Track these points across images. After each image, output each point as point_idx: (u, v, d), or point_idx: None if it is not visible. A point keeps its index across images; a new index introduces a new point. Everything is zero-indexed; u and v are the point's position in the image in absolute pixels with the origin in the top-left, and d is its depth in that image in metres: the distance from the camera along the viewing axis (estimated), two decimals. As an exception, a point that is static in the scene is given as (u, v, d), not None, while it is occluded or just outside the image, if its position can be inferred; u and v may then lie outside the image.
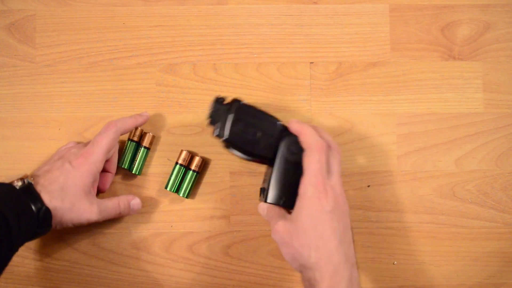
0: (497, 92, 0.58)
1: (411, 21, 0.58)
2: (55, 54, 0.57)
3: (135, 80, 0.57)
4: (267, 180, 0.50)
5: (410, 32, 0.58)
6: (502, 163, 0.57)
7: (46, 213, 0.46)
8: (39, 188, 0.47)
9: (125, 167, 0.56)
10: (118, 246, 0.56)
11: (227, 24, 0.58)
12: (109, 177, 0.54)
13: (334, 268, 0.43)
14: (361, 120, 0.57)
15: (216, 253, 0.56)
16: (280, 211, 0.48)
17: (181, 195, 0.55)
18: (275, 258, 0.56)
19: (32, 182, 0.48)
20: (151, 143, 0.56)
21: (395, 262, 0.57)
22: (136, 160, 0.56)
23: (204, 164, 0.57)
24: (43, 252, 0.56)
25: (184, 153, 0.55)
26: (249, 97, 0.57)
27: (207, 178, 0.57)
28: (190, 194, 0.56)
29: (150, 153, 0.57)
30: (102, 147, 0.50)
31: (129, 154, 0.56)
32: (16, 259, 0.56)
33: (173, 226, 0.57)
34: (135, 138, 0.56)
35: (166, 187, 0.55)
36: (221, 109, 0.50)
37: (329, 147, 0.47)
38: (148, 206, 0.57)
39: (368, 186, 0.57)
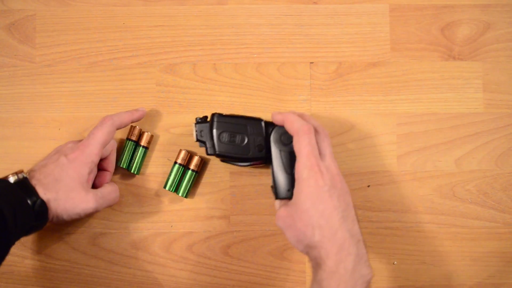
0: (497, 92, 0.58)
1: (411, 21, 0.58)
2: (55, 54, 0.57)
3: (135, 80, 0.57)
4: (272, 177, 0.50)
5: (410, 32, 0.58)
6: (502, 163, 0.57)
7: (41, 206, 0.46)
8: (34, 182, 0.47)
9: (124, 167, 0.56)
10: (118, 246, 0.56)
11: (227, 24, 0.58)
12: (108, 176, 0.54)
13: (338, 244, 0.43)
14: (361, 120, 0.57)
15: (216, 253, 0.56)
16: (286, 201, 0.48)
17: (180, 194, 0.55)
18: (275, 258, 0.56)
19: (28, 177, 0.48)
20: (149, 143, 0.56)
21: (395, 262, 0.57)
22: (135, 160, 0.56)
23: (203, 163, 0.57)
24: (43, 252, 0.56)
25: (183, 152, 0.55)
26: (249, 97, 0.57)
27: (207, 178, 0.57)
28: (189, 193, 0.56)
29: (150, 153, 0.57)
30: (98, 139, 0.50)
31: (128, 153, 0.56)
32: (16, 259, 0.56)
33: (173, 226, 0.57)
34: (134, 138, 0.56)
35: (165, 187, 0.55)
36: (204, 128, 0.52)
37: (316, 131, 0.47)
38: (148, 206, 0.57)
39: (368, 186, 0.57)
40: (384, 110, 0.58)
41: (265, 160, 0.52)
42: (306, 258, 0.56)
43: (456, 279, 0.57)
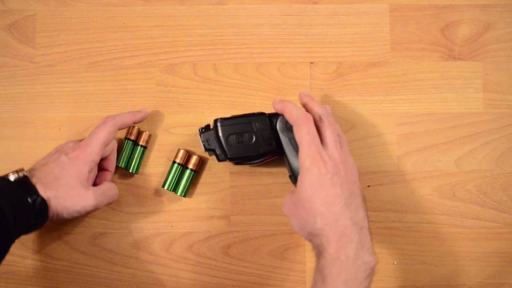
0: (497, 92, 0.58)
1: (411, 21, 0.58)
2: (55, 54, 0.57)
3: (135, 80, 0.57)
4: (288, 167, 0.50)
5: (410, 32, 0.58)
6: (502, 163, 0.57)
7: (41, 204, 0.46)
8: (34, 181, 0.47)
9: (122, 166, 0.56)
10: (118, 246, 0.56)
11: (227, 24, 0.58)
12: (108, 176, 0.54)
13: (340, 231, 0.43)
14: (361, 120, 0.57)
15: (216, 253, 0.56)
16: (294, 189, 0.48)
17: (179, 194, 0.55)
18: (275, 258, 0.56)
19: (28, 175, 0.48)
20: (148, 142, 0.56)
21: (395, 262, 0.57)
22: (133, 159, 0.56)
23: (202, 163, 0.57)
24: (43, 252, 0.56)
25: (181, 152, 0.55)
26: (249, 97, 0.57)
27: (207, 178, 0.57)
28: (188, 193, 0.56)
29: (150, 153, 0.57)
30: (99, 139, 0.50)
31: (126, 153, 0.56)
32: (16, 259, 0.56)
33: (173, 226, 0.57)
34: (132, 137, 0.56)
35: (163, 186, 0.55)
36: (210, 137, 0.52)
37: (320, 119, 0.47)
38: (148, 206, 0.57)
39: (368, 186, 0.57)
40: (384, 110, 0.58)
41: (277, 152, 0.51)
42: (306, 258, 0.56)
43: (456, 279, 0.57)
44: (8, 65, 0.57)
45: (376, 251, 0.57)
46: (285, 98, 0.57)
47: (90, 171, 0.50)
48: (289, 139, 0.50)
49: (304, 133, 0.45)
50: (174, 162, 0.55)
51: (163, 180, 0.56)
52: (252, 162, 0.52)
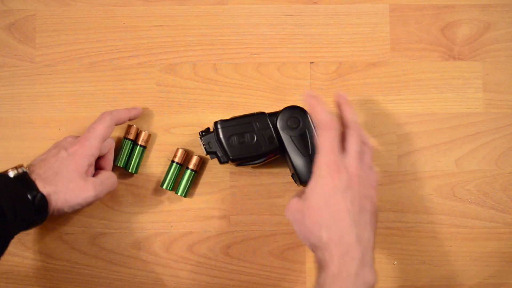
0: (497, 92, 0.58)
1: (411, 21, 0.58)
2: (55, 54, 0.57)
3: (135, 80, 0.57)
4: (290, 166, 0.50)
5: (410, 32, 0.58)
6: (502, 163, 0.57)
7: (41, 200, 0.46)
8: (34, 177, 0.47)
9: (121, 166, 0.56)
10: (118, 246, 0.56)
11: (227, 24, 0.58)
12: None
13: (344, 248, 0.42)
14: (361, 120, 0.57)
15: (216, 253, 0.56)
16: (301, 191, 0.47)
17: (179, 194, 0.55)
18: (275, 258, 0.56)
19: (28, 171, 0.48)
20: (147, 142, 0.56)
21: (395, 262, 0.57)
22: (132, 159, 0.56)
23: (202, 163, 0.57)
24: (43, 252, 0.56)
25: (180, 151, 0.55)
26: (249, 97, 0.57)
27: (207, 178, 0.57)
28: (188, 193, 0.56)
29: (150, 153, 0.57)
30: (98, 133, 0.50)
31: (125, 152, 0.56)
32: (16, 259, 0.56)
33: (173, 226, 0.57)
34: (131, 137, 0.56)
35: (162, 185, 0.55)
36: (211, 139, 0.51)
37: (346, 125, 0.46)
38: (148, 206, 0.57)
39: (368, 186, 0.57)
40: (384, 110, 0.58)
41: (281, 150, 0.51)
42: (306, 258, 0.56)
43: (456, 279, 0.57)
44: (8, 65, 0.57)
45: (376, 251, 0.57)
46: (285, 98, 0.57)
47: (89, 165, 0.50)
48: (291, 137, 0.50)
49: (325, 139, 0.44)
50: (172, 161, 0.55)
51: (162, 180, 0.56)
52: (254, 162, 0.52)
